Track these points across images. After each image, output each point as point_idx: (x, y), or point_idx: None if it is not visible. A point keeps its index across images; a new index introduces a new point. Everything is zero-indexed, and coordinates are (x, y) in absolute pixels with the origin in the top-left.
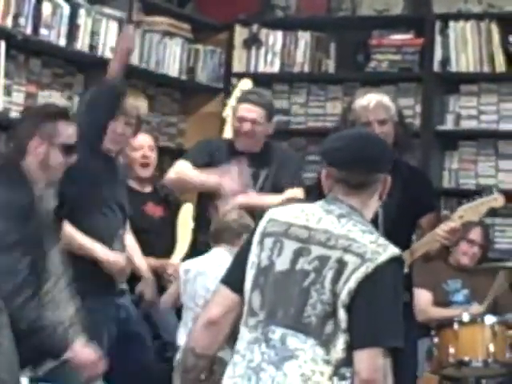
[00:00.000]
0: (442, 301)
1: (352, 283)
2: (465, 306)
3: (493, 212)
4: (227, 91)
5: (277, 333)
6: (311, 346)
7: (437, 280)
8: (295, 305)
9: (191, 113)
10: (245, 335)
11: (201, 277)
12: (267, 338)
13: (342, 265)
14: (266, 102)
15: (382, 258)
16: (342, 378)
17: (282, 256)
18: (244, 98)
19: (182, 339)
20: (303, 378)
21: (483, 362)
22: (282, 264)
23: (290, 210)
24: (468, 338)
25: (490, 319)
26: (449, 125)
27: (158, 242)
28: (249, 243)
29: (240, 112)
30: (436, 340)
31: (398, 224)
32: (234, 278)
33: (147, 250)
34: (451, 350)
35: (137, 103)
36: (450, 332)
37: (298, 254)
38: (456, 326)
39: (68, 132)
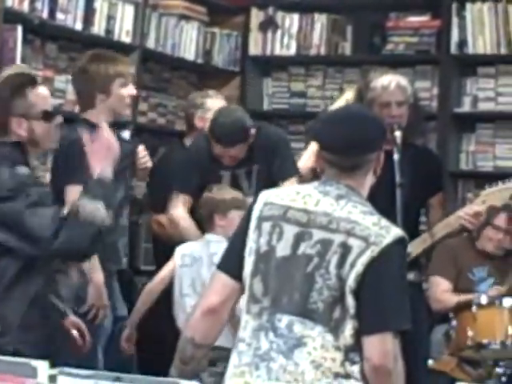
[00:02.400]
0: (467, 290)
1: (359, 268)
2: None
3: None
4: (243, 74)
5: (283, 321)
6: (320, 333)
7: (461, 269)
8: (300, 291)
9: None
10: (249, 323)
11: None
12: (274, 327)
13: (346, 249)
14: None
15: (387, 240)
16: (353, 362)
17: (282, 241)
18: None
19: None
20: (314, 364)
21: (501, 344)
22: (282, 249)
23: (285, 193)
24: (486, 320)
25: (508, 301)
26: (466, 107)
27: None
28: (244, 228)
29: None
30: (454, 323)
31: (410, 205)
32: (231, 265)
33: None
34: (469, 333)
35: (124, 60)
36: (468, 314)
37: (298, 239)
38: (474, 308)
39: (40, 99)
